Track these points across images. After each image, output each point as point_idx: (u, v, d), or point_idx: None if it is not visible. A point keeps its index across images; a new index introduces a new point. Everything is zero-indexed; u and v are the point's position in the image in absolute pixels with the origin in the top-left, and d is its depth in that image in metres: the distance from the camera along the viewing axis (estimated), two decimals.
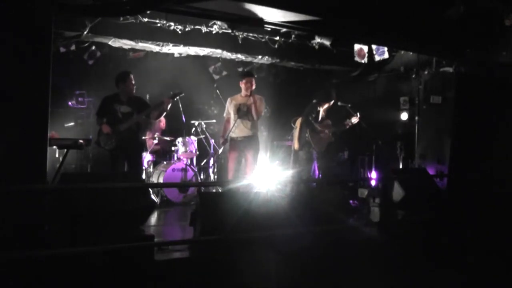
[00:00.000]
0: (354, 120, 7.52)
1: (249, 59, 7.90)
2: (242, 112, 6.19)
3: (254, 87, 6.26)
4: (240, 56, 7.73)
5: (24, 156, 3.70)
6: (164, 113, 6.06)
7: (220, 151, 6.84)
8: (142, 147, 6.49)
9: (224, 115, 6.46)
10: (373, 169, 8.37)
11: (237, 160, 6.28)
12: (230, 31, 7.01)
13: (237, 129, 6.22)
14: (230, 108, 6.33)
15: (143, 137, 7.44)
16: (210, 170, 7.57)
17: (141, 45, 6.87)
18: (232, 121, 6.28)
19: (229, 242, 4.03)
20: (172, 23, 6.55)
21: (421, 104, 7.52)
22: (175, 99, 6.18)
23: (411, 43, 6.86)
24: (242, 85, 6.25)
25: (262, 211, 4.57)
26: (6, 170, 3.61)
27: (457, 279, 4.81)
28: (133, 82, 5.87)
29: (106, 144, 5.70)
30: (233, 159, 6.30)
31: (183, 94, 6.30)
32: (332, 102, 7.16)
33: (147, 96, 6.85)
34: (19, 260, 3.21)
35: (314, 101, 7.09)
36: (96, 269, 3.48)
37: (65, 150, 5.24)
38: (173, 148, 7.33)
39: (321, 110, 7.06)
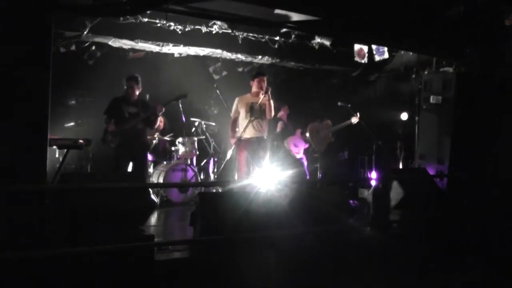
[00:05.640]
0: (354, 120, 7.53)
1: (249, 59, 7.89)
2: (256, 111, 6.05)
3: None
4: (240, 56, 7.72)
5: (24, 156, 3.70)
6: (158, 119, 6.28)
7: (230, 153, 6.61)
8: (148, 148, 6.57)
9: (232, 114, 6.31)
10: (373, 169, 8.37)
11: (248, 160, 6.14)
12: (230, 31, 7.00)
13: (250, 130, 6.06)
14: (240, 108, 6.17)
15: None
16: (210, 170, 7.56)
17: (141, 45, 6.86)
18: (242, 121, 6.14)
19: (229, 242, 4.03)
20: (172, 23, 6.55)
21: (421, 104, 7.51)
22: (174, 102, 6.35)
23: (411, 43, 6.86)
24: (255, 83, 6.13)
25: (262, 211, 4.57)
26: (6, 170, 3.61)
27: (457, 279, 4.82)
28: (134, 86, 6.01)
29: (111, 141, 5.86)
30: (244, 160, 6.14)
31: (186, 96, 6.44)
32: (286, 107, 7.50)
33: (147, 96, 6.85)
34: (19, 260, 3.21)
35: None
36: (96, 269, 3.48)
37: (65, 150, 5.25)
38: (173, 148, 7.33)
39: (282, 116, 7.43)
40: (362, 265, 4.73)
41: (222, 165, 7.17)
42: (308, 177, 7.23)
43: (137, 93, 6.09)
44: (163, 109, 6.03)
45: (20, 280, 3.22)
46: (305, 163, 7.42)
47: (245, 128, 6.01)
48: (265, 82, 6.15)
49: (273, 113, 6.19)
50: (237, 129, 6.26)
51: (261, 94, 6.08)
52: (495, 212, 5.92)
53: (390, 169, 6.35)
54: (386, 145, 8.21)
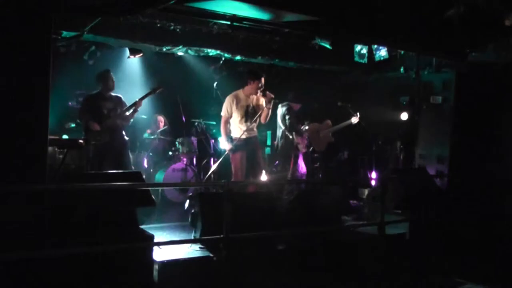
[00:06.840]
0: (354, 120, 7.53)
1: (249, 59, 7.89)
2: (250, 114, 6.01)
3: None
4: (240, 56, 7.72)
5: (24, 156, 3.70)
6: (135, 114, 6.22)
7: (215, 165, 6.41)
8: (127, 143, 6.59)
9: (223, 113, 6.16)
10: (373, 169, 8.36)
11: (244, 160, 6.02)
12: (230, 31, 6.99)
13: (245, 131, 5.98)
14: (233, 109, 6.05)
15: (143, 137, 7.47)
16: (210, 170, 7.54)
17: (141, 45, 6.86)
18: (236, 124, 6.05)
19: (229, 242, 4.03)
20: (172, 23, 6.54)
21: (421, 104, 7.51)
22: (154, 93, 6.34)
23: (411, 43, 6.85)
24: (254, 85, 5.98)
25: (262, 211, 4.58)
26: (6, 170, 3.61)
27: (457, 279, 4.82)
28: (113, 79, 6.11)
29: (96, 139, 5.82)
30: (240, 160, 6.00)
31: (161, 89, 6.37)
32: (299, 105, 7.40)
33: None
34: (19, 260, 3.21)
35: (285, 106, 7.21)
36: (96, 269, 3.49)
37: (65, 150, 5.25)
38: (173, 148, 7.33)
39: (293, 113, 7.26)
40: (362, 265, 4.73)
41: (212, 168, 7.13)
42: (298, 171, 7.21)
43: (113, 87, 6.16)
44: (141, 103, 6.07)
45: (20, 280, 3.22)
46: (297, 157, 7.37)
47: (241, 134, 5.88)
48: (263, 83, 6.02)
49: (267, 121, 6.19)
50: (231, 134, 6.12)
51: (255, 93, 6.01)
52: (495, 212, 5.93)
53: (390, 169, 6.33)
54: (386, 145, 8.21)
